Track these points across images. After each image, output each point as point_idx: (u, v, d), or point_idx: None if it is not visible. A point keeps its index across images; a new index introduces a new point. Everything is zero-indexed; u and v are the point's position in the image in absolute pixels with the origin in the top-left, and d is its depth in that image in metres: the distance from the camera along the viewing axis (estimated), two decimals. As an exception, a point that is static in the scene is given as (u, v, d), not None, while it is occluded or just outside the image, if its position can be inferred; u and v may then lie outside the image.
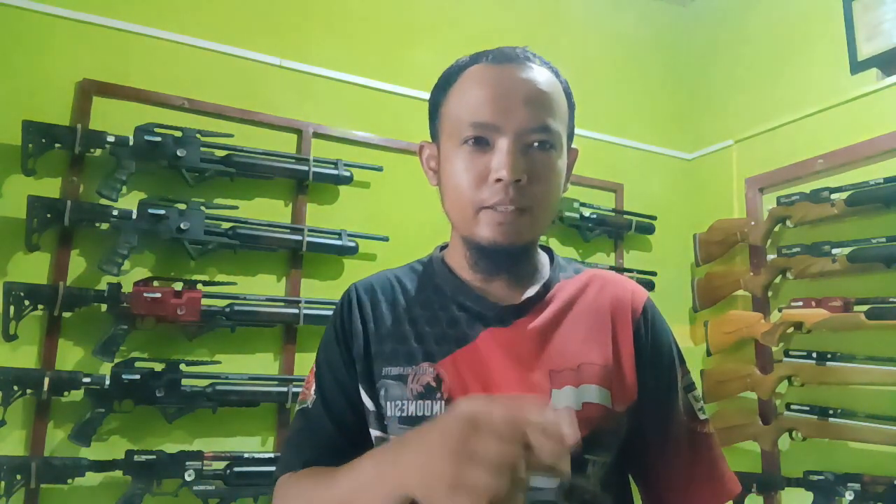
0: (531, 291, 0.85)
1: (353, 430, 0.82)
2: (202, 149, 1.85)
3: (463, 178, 0.79)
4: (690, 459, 0.84)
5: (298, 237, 1.94)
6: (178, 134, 1.83)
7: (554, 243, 2.39)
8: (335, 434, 0.82)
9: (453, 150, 0.81)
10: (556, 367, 0.79)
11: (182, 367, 1.74)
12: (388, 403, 0.80)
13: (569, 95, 0.85)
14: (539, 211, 0.80)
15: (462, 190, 0.79)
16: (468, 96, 0.80)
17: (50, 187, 1.75)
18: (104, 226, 1.74)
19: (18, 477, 1.55)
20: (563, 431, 0.53)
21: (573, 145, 0.88)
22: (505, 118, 0.77)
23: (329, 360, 0.87)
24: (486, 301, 0.84)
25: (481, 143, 0.78)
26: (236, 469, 1.71)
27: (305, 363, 1.95)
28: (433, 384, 0.79)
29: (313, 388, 0.86)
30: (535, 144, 0.78)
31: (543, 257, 0.91)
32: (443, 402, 0.78)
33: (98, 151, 1.78)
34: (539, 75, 0.80)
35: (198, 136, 1.85)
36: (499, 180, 0.76)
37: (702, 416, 0.87)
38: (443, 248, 0.94)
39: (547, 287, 0.86)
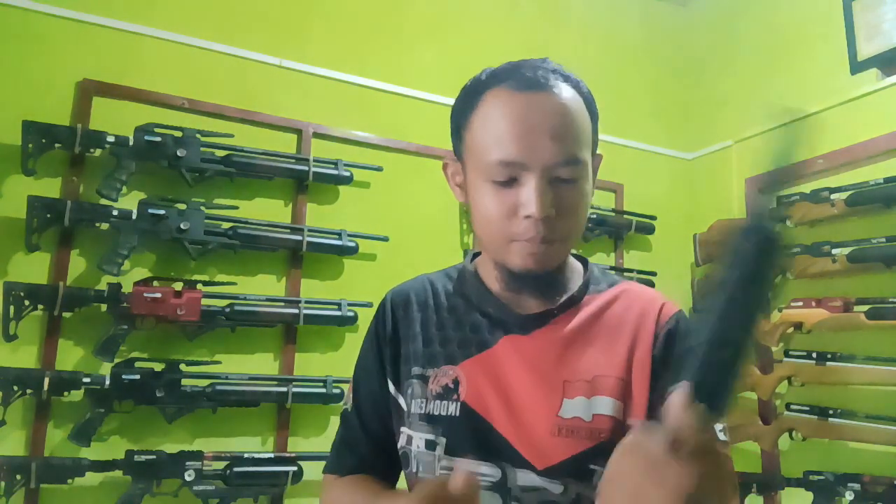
0: (555, 303, 0.86)
1: (382, 439, 0.89)
2: (202, 149, 1.85)
3: (493, 211, 0.79)
4: None
5: (298, 237, 1.94)
6: (178, 134, 1.83)
7: (554, 243, 2.39)
8: (368, 443, 0.90)
9: (481, 183, 0.81)
10: (570, 377, 0.80)
11: (182, 367, 1.74)
12: (412, 401, 0.85)
13: (591, 107, 0.85)
14: (569, 240, 0.82)
15: (492, 223, 0.80)
16: (492, 128, 0.79)
17: (50, 187, 1.75)
18: (104, 226, 1.74)
19: (18, 477, 1.55)
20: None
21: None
22: (532, 155, 0.76)
23: (366, 368, 0.93)
24: (509, 309, 0.86)
25: (510, 180, 0.78)
26: (236, 469, 1.71)
27: (305, 363, 1.95)
28: (451, 386, 0.83)
29: (352, 394, 0.94)
30: (563, 177, 0.78)
31: (577, 268, 0.91)
32: (458, 403, 0.82)
33: (98, 151, 1.78)
34: (563, 100, 0.79)
35: (198, 136, 1.85)
36: (528, 216, 0.77)
37: (721, 437, 0.84)
38: (475, 256, 0.95)
39: (573, 299, 0.87)
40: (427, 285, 0.93)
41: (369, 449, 0.90)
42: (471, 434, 0.80)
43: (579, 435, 0.77)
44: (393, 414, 0.88)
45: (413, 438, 0.84)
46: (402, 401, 0.87)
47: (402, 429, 0.86)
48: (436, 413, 0.82)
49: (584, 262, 0.93)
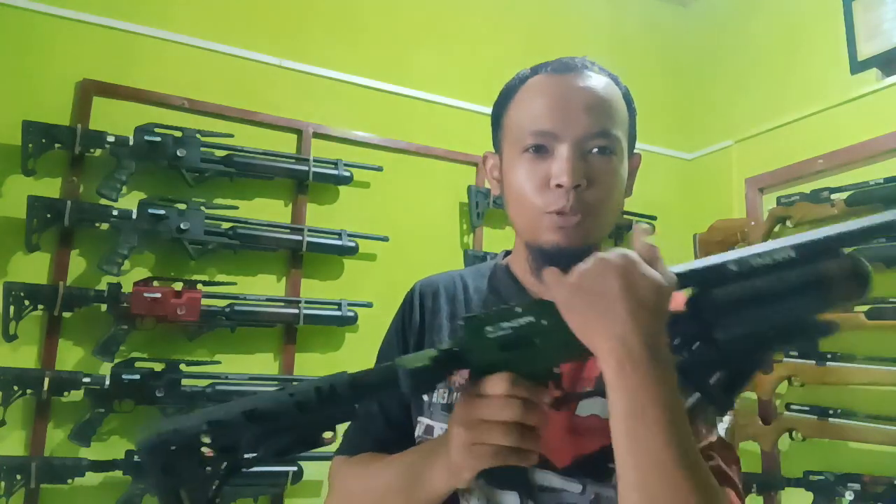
0: None
1: (402, 425, 0.87)
2: (202, 149, 1.85)
3: (525, 184, 0.80)
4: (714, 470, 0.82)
5: (298, 237, 1.94)
6: (178, 134, 1.83)
7: (554, 243, 2.39)
8: (386, 429, 0.88)
9: (515, 158, 0.82)
10: (588, 374, 0.79)
11: (182, 367, 1.74)
12: (435, 391, 0.84)
13: (629, 102, 0.87)
14: (600, 215, 0.81)
15: (525, 196, 0.81)
16: (529, 106, 0.82)
17: (50, 187, 1.75)
18: (104, 226, 1.74)
19: (18, 477, 1.55)
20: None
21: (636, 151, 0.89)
22: (564, 126, 0.78)
23: (389, 354, 0.90)
24: None
25: (541, 150, 0.80)
26: (236, 469, 1.71)
27: (305, 363, 1.95)
28: None
29: None
30: (595, 150, 0.79)
31: None
32: None
33: (98, 151, 1.78)
34: (598, 83, 0.82)
35: (198, 136, 1.85)
36: (559, 186, 0.77)
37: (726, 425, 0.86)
38: (507, 254, 0.95)
39: None
40: (457, 280, 0.93)
41: (388, 433, 0.88)
42: None
43: (596, 433, 0.76)
44: (413, 402, 0.88)
45: (434, 428, 0.83)
46: None
47: (421, 418, 0.85)
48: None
49: None
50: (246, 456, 0.56)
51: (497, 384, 0.61)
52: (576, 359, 0.64)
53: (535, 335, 0.61)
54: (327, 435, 0.59)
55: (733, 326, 0.60)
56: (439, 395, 0.84)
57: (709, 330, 0.60)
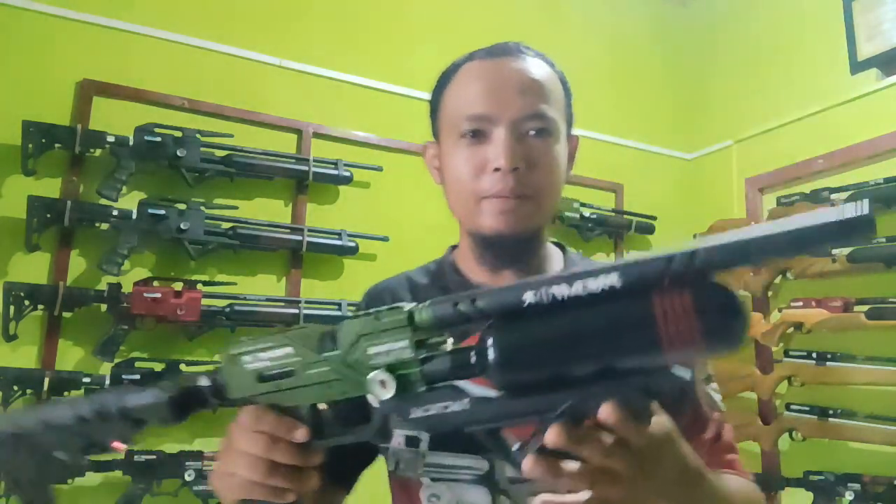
0: None
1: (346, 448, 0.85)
2: (202, 149, 1.85)
3: (463, 170, 0.80)
4: (708, 450, 0.82)
5: (298, 237, 1.94)
6: (178, 134, 1.83)
7: (554, 243, 2.39)
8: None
9: (453, 144, 0.82)
10: None
11: (182, 367, 1.73)
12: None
13: (565, 84, 0.86)
14: (540, 198, 0.80)
15: (463, 182, 0.80)
16: (464, 91, 0.81)
17: (50, 187, 1.75)
18: (104, 226, 1.74)
19: (18, 477, 1.55)
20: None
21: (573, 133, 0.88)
22: (500, 108, 0.78)
23: None
24: None
25: (479, 135, 0.79)
26: (236, 469, 1.71)
27: (305, 363, 1.95)
28: None
29: None
30: (532, 132, 0.79)
31: (555, 253, 0.90)
32: None
33: (98, 151, 1.78)
34: (532, 65, 0.81)
35: (198, 136, 1.85)
36: (497, 169, 0.77)
37: (721, 407, 0.86)
38: (454, 248, 0.94)
39: None
40: (405, 281, 0.92)
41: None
42: None
43: None
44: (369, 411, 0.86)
45: (394, 436, 0.79)
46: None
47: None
48: None
49: (563, 248, 0.92)
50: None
51: (245, 416, 0.58)
52: (339, 398, 0.55)
53: (294, 368, 0.55)
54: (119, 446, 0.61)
55: (514, 372, 0.48)
56: None
57: (486, 371, 0.48)
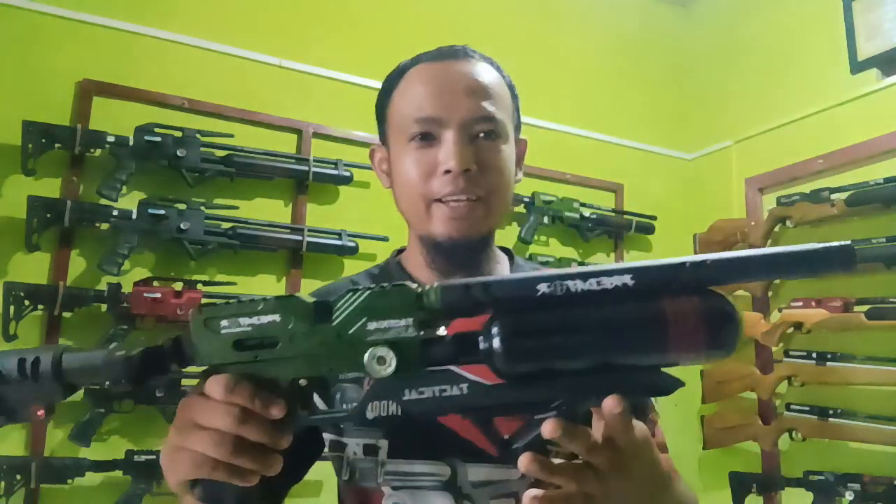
0: None
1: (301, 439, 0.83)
2: (202, 149, 1.85)
3: (413, 173, 0.79)
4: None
5: (298, 237, 1.94)
6: (178, 134, 1.83)
7: (554, 243, 2.39)
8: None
9: (401, 148, 0.81)
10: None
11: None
12: (346, 406, 0.78)
13: (511, 88, 0.86)
14: (491, 200, 0.79)
15: (413, 185, 0.80)
16: (411, 94, 0.81)
17: (50, 187, 1.75)
18: (104, 226, 1.74)
19: (18, 477, 1.55)
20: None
21: (521, 136, 0.88)
22: (449, 111, 0.78)
23: None
24: None
25: (428, 138, 0.79)
26: (236, 469, 1.71)
27: (305, 363, 1.95)
28: None
29: None
30: (482, 135, 0.79)
31: (502, 259, 0.90)
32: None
33: (98, 151, 1.78)
34: (480, 68, 0.82)
35: (198, 136, 1.85)
36: (448, 171, 0.76)
37: (656, 408, 0.84)
38: (399, 252, 0.94)
39: None
40: (349, 285, 0.91)
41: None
42: (417, 432, 0.73)
43: None
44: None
45: (348, 445, 0.77)
46: (324, 408, 0.78)
47: (329, 437, 0.79)
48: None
49: (510, 253, 0.92)
50: None
51: (214, 385, 0.50)
52: (324, 374, 0.52)
53: (279, 338, 0.51)
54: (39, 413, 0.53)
55: (519, 361, 0.48)
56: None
57: (491, 358, 0.49)
